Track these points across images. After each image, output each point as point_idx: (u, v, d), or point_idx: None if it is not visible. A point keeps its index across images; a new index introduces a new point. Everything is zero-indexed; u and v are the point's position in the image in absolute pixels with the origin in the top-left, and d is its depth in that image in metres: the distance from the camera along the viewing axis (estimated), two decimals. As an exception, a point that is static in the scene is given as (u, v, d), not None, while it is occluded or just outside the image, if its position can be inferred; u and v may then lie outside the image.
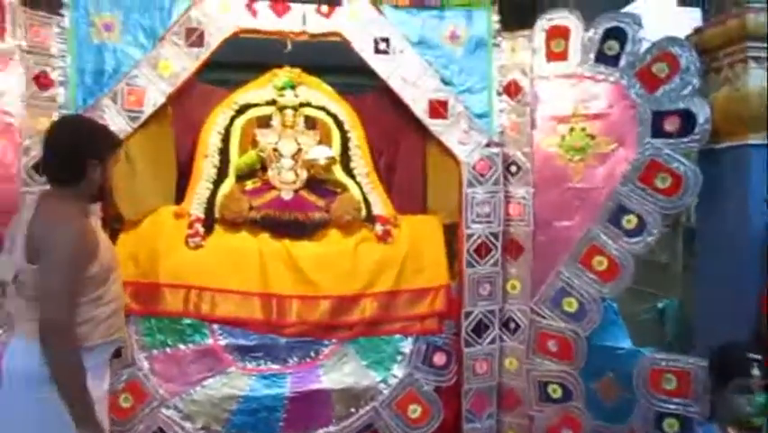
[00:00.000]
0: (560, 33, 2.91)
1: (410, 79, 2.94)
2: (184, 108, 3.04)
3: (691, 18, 2.93)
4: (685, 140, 2.70)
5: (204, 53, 2.83)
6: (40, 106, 2.67)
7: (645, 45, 2.78)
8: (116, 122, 2.73)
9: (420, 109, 2.97)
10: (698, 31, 2.82)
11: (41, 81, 2.68)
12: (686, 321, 4.63)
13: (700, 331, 3.04)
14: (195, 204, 2.98)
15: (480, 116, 3.01)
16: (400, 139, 3.30)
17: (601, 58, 2.84)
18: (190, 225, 2.91)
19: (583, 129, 2.89)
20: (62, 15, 2.71)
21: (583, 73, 2.87)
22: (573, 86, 2.90)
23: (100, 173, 2.09)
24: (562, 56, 2.92)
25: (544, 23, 2.94)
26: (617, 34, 2.81)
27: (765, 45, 2.55)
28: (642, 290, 4.41)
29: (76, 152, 2.05)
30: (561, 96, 2.93)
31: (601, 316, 2.89)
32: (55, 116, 2.68)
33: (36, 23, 2.66)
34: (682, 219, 4.67)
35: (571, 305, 2.92)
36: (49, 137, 2.11)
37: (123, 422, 2.70)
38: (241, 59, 3.04)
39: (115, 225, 2.84)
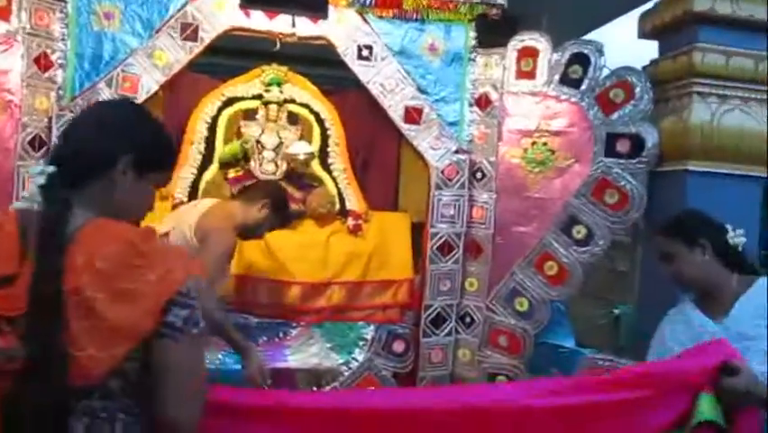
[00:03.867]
0: (530, 54, 3.15)
1: (389, 86, 3.15)
2: (174, 95, 3.22)
3: (651, 50, 3.17)
4: (634, 161, 2.95)
5: (197, 47, 3.00)
6: (39, 86, 2.83)
7: (606, 72, 3.03)
8: (111, 106, 2.89)
9: (396, 114, 3.18)
10: (653, 62, 3.08)
11: (42, 62, 2.84)
12: (641, 327, 4.93)
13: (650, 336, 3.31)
14: (179, 188, 3.17)
15: (451, 124, 3.23)
16: (377, 139, 3.52)
17: (565, 80, 3.08)
18: (174, 208, 3.10)
19: (545, 144, 3.13)
20: (65, 1, 2.87)
21: (548, 92, 3.11)
22: (538, 103, 3.13)
23: None
24: (531, 75, 3.15)
25: (516, 43, 3.17)
26: (581, 60, 3.05)
27: (710, 82, 2.81)
28: (601, 297, 4.70)
29: None
30: (526, 112, 3.16)
31: (549, 316, 3.14)
32: (53, 96, 2.85)
33: (41, 7, 2.82)
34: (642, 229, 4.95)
35: (522, 304, 3.17)
36: None
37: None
38: (232, 46, 3.22)
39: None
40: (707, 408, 1.61)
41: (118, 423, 1.14)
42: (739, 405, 1.65)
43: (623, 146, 2.97)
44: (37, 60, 2.83)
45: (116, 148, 1.22)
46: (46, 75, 2.85)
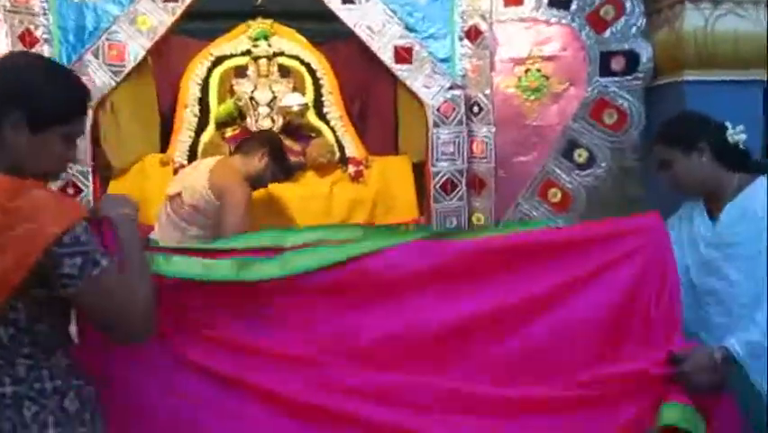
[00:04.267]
0: (516, -21, 3.08)
1: (376, 28, 3.10)
2: (163, 60, 3.21)
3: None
4: (630, 78, 2.91)
5: (179, 8, 2.98)
6: (27, 63, 2.83)
7: (595, -11, 2.97)
8: (100, 76, 2.91)
9: (386, 56, 3.14)
10: (642, -27, 2.99)
11: (27, 39, 2.84)
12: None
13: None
14: (178, 152, 3.19)
15: (443, 61, 3.18)
16: (372, 85, 3.48)
17: (554, 2, 3.02)
18: (175, 172, 3.12)
19: (538, 70, 3.09)
20: (41, -25, 2.85)
21: (538, 17, 3.06)
22: (528, 29, 3.08)
23: None
24: (519, 1, 3.09)
25: (501, -31, 3.10)
26: (568, -21, 2.99)
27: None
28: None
29: None
30: (517, 40, 3.11)
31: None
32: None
33: (17, -17, 2.81)
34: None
35: (529, 235, 3.18)
36: None
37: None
38: (213, 8, 3.19)
39: (105, 172, 3.06)
40: (670, 415, 1.50)
41: (19, 367, 1.19)
42: (702, 389, 1.54)
43: (617, 64, 2.93)
44: (22, 38, 2.83)
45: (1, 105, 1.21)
46: (32, 51, 2.85)
